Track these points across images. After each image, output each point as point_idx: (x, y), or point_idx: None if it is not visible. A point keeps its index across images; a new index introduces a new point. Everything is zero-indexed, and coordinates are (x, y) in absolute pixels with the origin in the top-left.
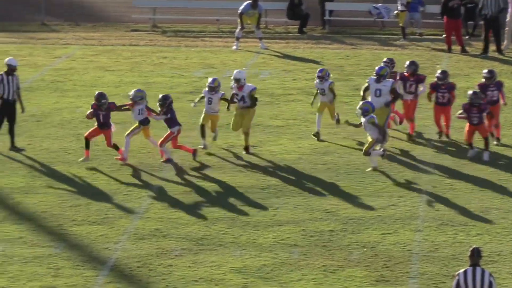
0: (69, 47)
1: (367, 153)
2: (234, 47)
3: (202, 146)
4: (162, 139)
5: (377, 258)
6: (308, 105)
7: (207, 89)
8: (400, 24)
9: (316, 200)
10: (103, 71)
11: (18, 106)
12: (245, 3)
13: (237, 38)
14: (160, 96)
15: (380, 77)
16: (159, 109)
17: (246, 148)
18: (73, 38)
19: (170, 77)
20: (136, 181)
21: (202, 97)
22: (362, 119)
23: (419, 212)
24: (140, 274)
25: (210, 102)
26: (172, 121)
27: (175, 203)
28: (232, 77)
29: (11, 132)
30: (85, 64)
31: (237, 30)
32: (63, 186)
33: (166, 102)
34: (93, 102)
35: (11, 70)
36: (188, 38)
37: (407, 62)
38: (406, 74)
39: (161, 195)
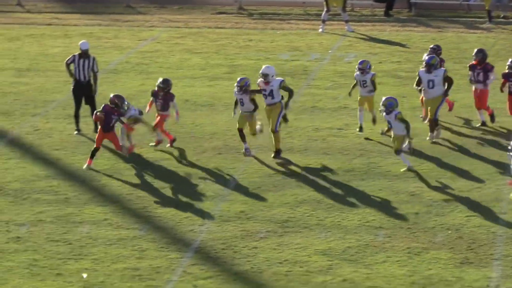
0: (155, 30)
1: (398, 151)
2: (320, 30)
3: (244, 151)
4: (156, 122)
5: (462, 241)
6: (396, 88)
7: (236, 89)
8: (486, 8)
9: (401, 182)
10: (189, 54)
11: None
12: None
13: (323, 21)
14: (161, 79)
15: (430, 67)
16: (159, 92)
17: (277, 152)
18: (159, 21)
19: (256, 60)
20: (221, 163)
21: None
22: (386, 116)
23: (503, 194)
24: (224, 256)
25: (242, 103)
26: (168, 105)
27: (260, 186)
28: (260, 72)
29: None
30: (170, 47)
31: (323, 13)
32: (149, 168)
33: (167, 86)
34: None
35: (83, 53)
36: (274, 20)
37: (475, 50)
38: (474, 62)
39: (246, 177)
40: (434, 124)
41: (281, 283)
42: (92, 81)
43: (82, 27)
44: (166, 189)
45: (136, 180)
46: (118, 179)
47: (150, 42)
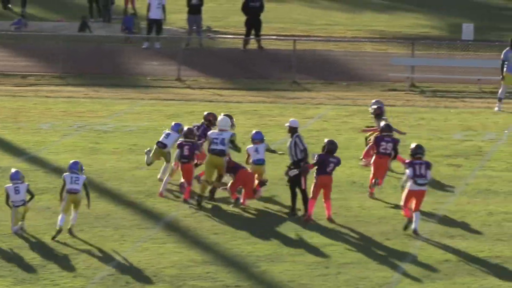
0: (321, 107)
1: None
2: (496, 109)
3: None
4: None
5: None
6: None
7: None
8: None
9: None
10: (356, 133)
11: None
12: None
13: (500, 99)
14: None
15: None
16: None
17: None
18: (326, 98)
19: (427, 139)
20: (389, 250)
21: None
22: None
23: None
24: None
25: None
26: None
27: (429, 273)
28: None
29: None
30: (338, 125)
31: (500, 91)
32: (311, 255)
33: None
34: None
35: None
36: (447, 98)
37: None
38: None
39: (416, 264)
40: None
41: None
42: None
43: (245, 104)
44: (329, 276)
45: (299, 267)
46: (279, 265)
47: (317, 120)
